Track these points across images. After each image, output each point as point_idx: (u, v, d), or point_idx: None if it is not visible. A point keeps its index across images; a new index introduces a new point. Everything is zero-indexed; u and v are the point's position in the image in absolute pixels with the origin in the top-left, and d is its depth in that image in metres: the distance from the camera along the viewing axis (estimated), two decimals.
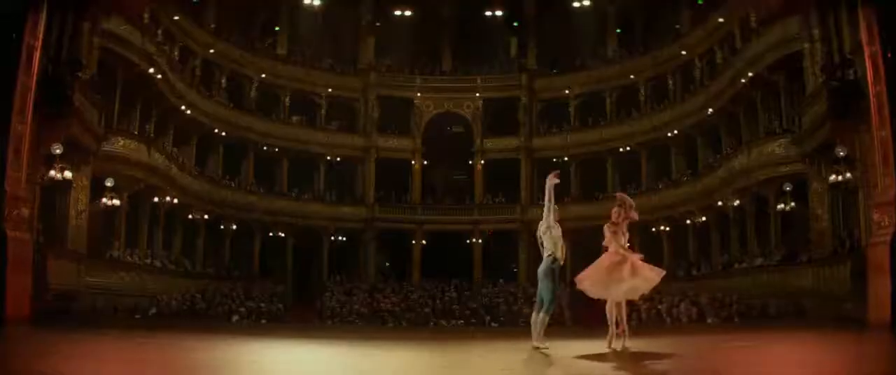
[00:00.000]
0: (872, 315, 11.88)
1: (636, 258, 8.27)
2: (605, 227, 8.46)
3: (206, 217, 24.61)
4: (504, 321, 23.34)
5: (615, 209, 8.51)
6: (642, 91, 27.63)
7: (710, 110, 23.92)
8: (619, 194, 8.91)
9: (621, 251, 8.21)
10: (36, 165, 13.62)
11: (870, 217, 13.24)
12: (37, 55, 12.67)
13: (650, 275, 8.17)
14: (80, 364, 6.53)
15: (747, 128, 22.42)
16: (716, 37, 24.22)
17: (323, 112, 29.14)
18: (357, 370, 6.96)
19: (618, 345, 8.12)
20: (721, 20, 23.67)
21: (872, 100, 12.35)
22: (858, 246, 14.60)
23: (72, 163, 15.47)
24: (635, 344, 8.47)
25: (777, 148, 19.89)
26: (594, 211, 28.01)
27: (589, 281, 8.31)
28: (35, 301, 12.60)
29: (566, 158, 29.19)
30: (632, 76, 27.86)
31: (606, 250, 8.43)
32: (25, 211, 12.47)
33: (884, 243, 11.91)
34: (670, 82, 26.69)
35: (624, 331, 8.25)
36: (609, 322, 8.33)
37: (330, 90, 29.18)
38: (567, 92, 29.37)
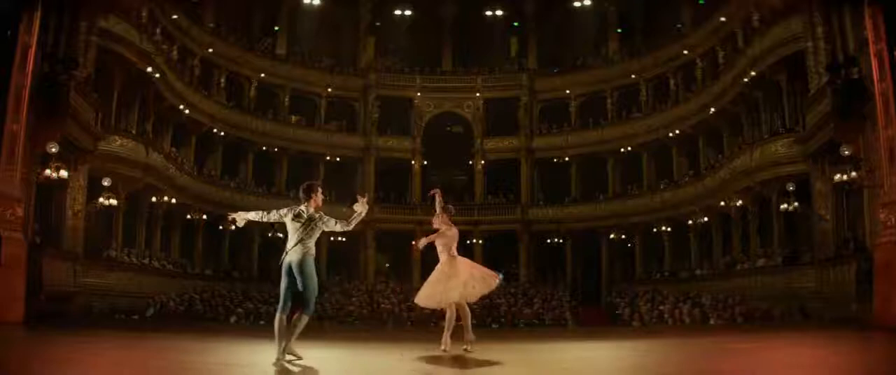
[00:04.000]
0: (879, 317, 11.72)
1: (466, 262, 8.37)
2: (437, 239, 8.39)
3: (204, 217, 24.45)
4: (504, 322, 23.18)
5: (437, 217, 8.49)
6: (643, 91, 27.51)
7: (712, 110, 23.78)
8: (436, 194, 8.74)
9: (450, 259, 8.22)
10: (31, 164, 13.48)
11: (875, 216, 13.08)
12: (32, 53, 12.56)
13: (482, 277, 8.23)
14: (75, 368, 6.36)
15: (749, 128, 22.28)
16: (718, 36, 24.08)
17: (322, 112, 29.00)
18: (358, 371, 6.82)
19: (449, 346, 8.00)
20: (723, 19, 23.54)
21: (878, 98, 12.21)
22: (863, 247, 14.45)
23: (68, 162, 15.37)
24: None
25: (780, 147, 19.73)
26: (595, 211, 28.01)
27: (423, 295, 8.26)
28: (29, 302, 12.45)
29: (566, 158, 29.08)
30: (633, 76, 27.74)
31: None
32: (20, 211, 12.33)
33: (890, 242, 11.76)
34: (671, 82, 26.54)
35: (468, 334, 8.15)
36: (446, 326, 8.16)
37: (330, 90, 29.04)
38: (567, 92, 29.25)
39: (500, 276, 8.51)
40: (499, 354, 8.30)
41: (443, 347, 7.97)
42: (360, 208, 7.01)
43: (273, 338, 6.70)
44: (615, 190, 28.24)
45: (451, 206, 8.68)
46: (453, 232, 8.28)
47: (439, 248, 8.34)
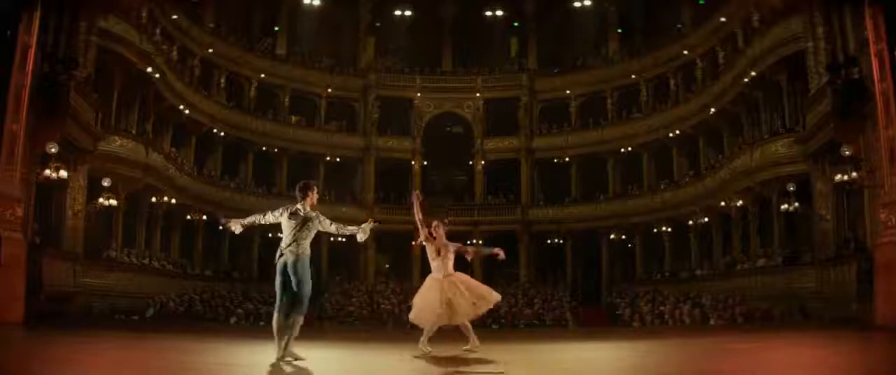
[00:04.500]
0: (880, 317, 11.71)
1: (462, 279, 8.01)
2: (430, 249, 8.05)
3: (204, 217, 24.43)
4: (504, 322, 23.17)
5: (429, 226, 8.07)
6: (643, 91, 27.50)
7: (712, 110, 23.76)
8: (416, 196, 8.30)
9: (442, 275, 7.88)
10: (31, 164, 13.46)
11: (876, 216, 13.07)
12: (31, 53, 12.53)
13: (480, 296, 7.94)
14: (75, 368, 6.35)
15: (750, 128, 22.27)
16: (718, 36, 24.07)
17: (322, 112, 28.99)
18: (358, 371, 6.80)
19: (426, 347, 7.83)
20: (723, 19, 23.52)
21: (879, 97, 12.21)
22: (864, 247, 14.43)
23: (68, 162, 15.35)
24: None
25: (780, 148, 19.71)
26: (595, 212, 27.99)
27: (421, 314, 7.95)
28: (29, 302, 12.43)
29: (567, 159, 29.06)
30: (633, 76, 27.73)
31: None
32: (20, 211, 12.31)
33: (891, 243, 11.75)
34: (672, 82, 26.53)
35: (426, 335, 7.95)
36: (464, 328, 7.95)
37: (329, 90, 29.03)
38: (568, 92, 29.24)
39: (495, 251, 8.29)
40: (499, 354, 8.28)
41: (427, 349, 7.81)
42: (361, 236, 7.04)
43: (273, 339, 6.68)
44: (615, 190, 28.22)
45: (447, 220, 8.36)
46: (452, 255, 7.97)
47: (433, 262, 8.04)
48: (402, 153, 29.60)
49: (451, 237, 8.32)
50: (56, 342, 9.14)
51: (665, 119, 26.31)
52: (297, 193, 6.88)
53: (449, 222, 8.39)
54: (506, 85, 30.00)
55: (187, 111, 23.74)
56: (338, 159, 29.14)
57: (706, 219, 24.05)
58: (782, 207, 19.26)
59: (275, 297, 6.77)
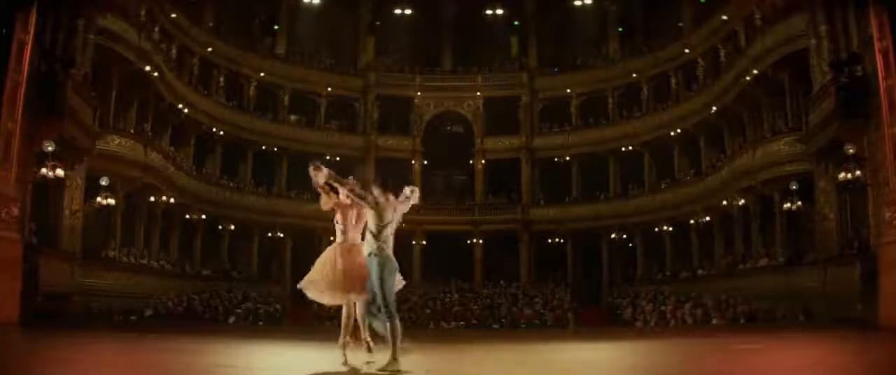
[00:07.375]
0: (884, 317, 11.60)
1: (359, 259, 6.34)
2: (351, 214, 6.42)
3: (203, 217, 24.35)
4: (505, 323, 23.09)
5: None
6: (644, 90, 27.39)
7: (714, 109, 23.65)
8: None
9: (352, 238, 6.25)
10: (27, 163, 13.36)
11: (880, 216, 12.96)
12: (28, 51, 12.42)
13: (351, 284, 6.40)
14: (73, 368, 6.26)
15: (751, 126, 22.15)
16: (719, 35, 23.96)
17: (322, 112, 28.89)
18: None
19: (359, 358, 6.58)
20: (724, 18, 23.41)
21: (883, 95, 12.10)
22: (867, 247, 14.31)
23: (65, 161, 15.23)
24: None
25: (783, 146, 19.59)
26: (596, 211, 27.89)
27: (316, 285, 6.50)
28: (27, 302, 12.34)
29: (567, 158, 28.96)
30: (634, 75, 27.62)
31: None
32: (15, 211, 12.22)
33: None
34: (673, 81, 26.43)
35: (357, 340, 6.59)
36: (342, 328, 6.58)
37: (329, 90, 28.92)
38: (568, 91, 29.13)
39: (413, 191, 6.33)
40: (499, 354, 8.19)
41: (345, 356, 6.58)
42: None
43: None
44: (616, 189, 28.13)
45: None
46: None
47: (349, 223, 6.60)
48: (402, 152, 29.48)
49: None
50: (54, 342, 9.06)
51: (666, 118, 26.21)
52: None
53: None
54: (506, 84, 29.91)
55: (186, 110, 23.64)
56: (338, 159, 28.98)
57: (708, 219, 23.94)
58: (785, 206, 19.14)
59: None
